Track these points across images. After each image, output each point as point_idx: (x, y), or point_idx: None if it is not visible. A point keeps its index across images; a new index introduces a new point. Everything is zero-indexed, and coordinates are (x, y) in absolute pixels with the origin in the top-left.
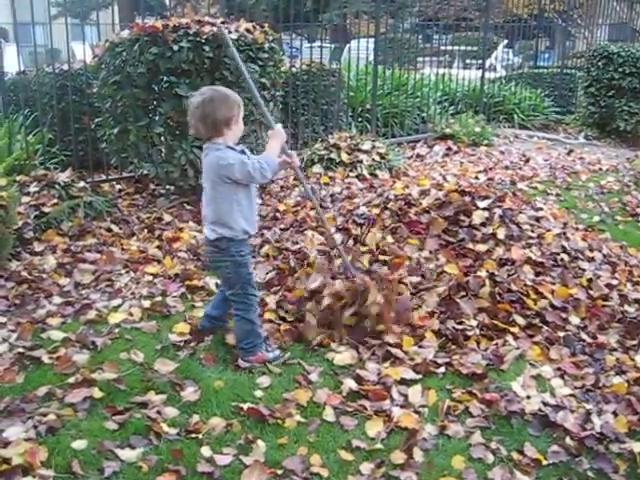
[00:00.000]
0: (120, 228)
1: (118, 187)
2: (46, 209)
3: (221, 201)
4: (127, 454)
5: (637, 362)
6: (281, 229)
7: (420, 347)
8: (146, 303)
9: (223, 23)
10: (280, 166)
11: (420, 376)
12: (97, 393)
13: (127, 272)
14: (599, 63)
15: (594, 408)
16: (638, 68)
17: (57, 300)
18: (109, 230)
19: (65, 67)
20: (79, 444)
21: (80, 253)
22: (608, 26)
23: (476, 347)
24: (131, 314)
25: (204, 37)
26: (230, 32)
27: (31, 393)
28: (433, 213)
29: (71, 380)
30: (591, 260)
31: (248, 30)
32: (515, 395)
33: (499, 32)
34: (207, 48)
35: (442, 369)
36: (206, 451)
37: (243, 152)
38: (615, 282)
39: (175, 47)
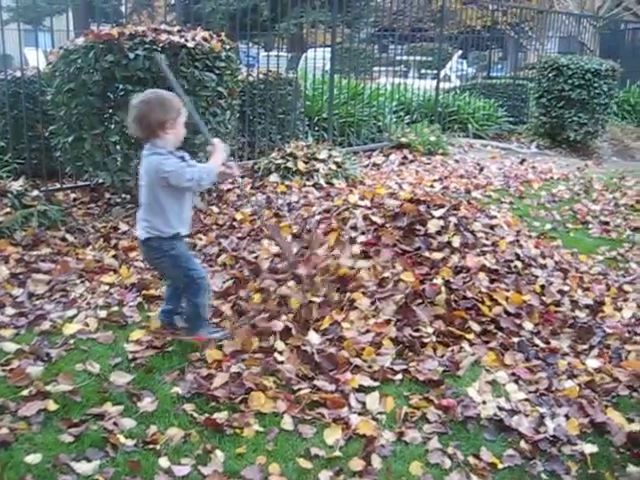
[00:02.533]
0: (75, 237)
1: (73, 196)
2: None
3: (155, 203)
4: (83, 467)
5: (588, 366)
6: (238, 238)
7: (378, 355)
8: (102, 313)
9: (180, 31)
10: (220, 177)
11: (378, 383)
12: (52, 405)
13: (82, 282)
14: (549, 75)
15: (547, 412)
16: (586, 80)
17: (10, 311)
18: (64, 239)
19: (18, 74)
20: (33, 458)
21: (34, 263)
22: (558, 39)
23: (433, 354)
24: (87, 324)
25: (160, 45)
26: (187, 40)
27: None
28: (388, 224)
29: (25, 393)
30: (543, 267)
31: (205, 39)
32: (471, 400)
33: (453, 43)
34: (164, 56)
35: (399, 376)
36: (164, 462)
37: (183, 158)
38: (567, 288)
39: (131, 55)
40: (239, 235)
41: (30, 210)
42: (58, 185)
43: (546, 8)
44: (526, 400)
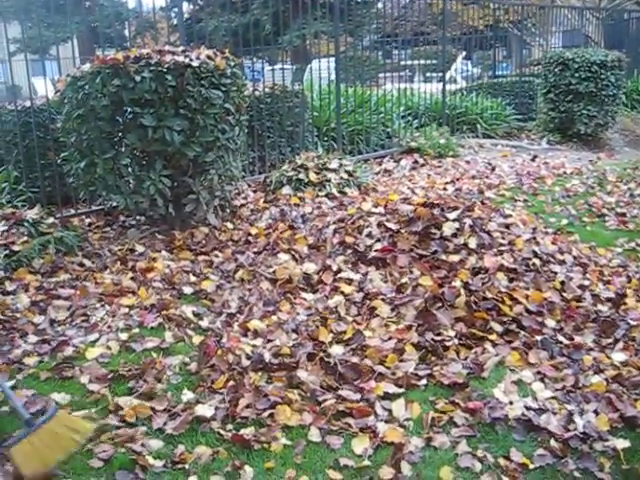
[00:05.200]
0: (92, 262)
1: (88, 221)
2: (16, 247)
3: None
4: None
5: (614, 360)
6: (254, 252)
7: (401, 361)
8: (123, 336)
9: (184, 51)
10: None
11: (403, 390)
12: None
13: (102, 306)
14: (556, 69)
15: (576, 409)
16: (593, 72)
17: (33, 339)
18: (81, 265)
19: (27, 104)
20: None
21: (53, 289)
22: (562, 33)
23: (456, 357)
24: (109, 348)
25: (166, 66)
26: (191, 60)
27: (7, 434)
28: (403, 229)
29: None
30: (562, 263)
31: (209, 57)
32: (498, 402)
33: (457, 44)
34: (169, 77)
35: (424, 381)
36: None
37: None
38: (587, 283)
39: (137, 78)
40: (255, 250)
41: (47, 237)
42: (73, 211)
43: (548, 3)
44: (553, 398)
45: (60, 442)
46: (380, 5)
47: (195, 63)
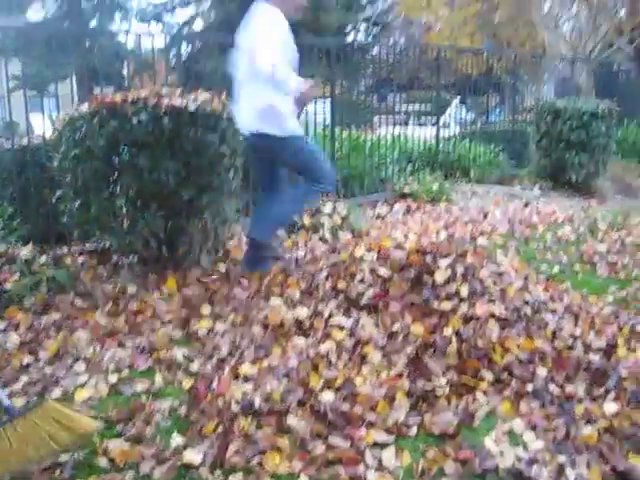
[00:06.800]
0: (84, 301)
1: (81, 259)
2: (7, 286)
3: None
4: None
5: (605, 411)
6: (247, 296)
7: (391, 409)
8: (113, 378)
9: (181, 95)
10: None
11: (393, 438)
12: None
13: (93, 347)
14: (547, 118)
15: (567, 460)
16: (584, 122)
17: (22, 379)
18: (73, 304)
19: (24, 142)
20: None
21: (44, 329)
22: (554, 81)
23: (447, 405)
24: (98, 390)
25: (163, 109)
26: (188, 103)
27: None
28: (395, 276)
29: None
30: (554, 311)
31: (206, 100)
32: (488, 452)
33: (451, 90)
34: (166, 120)
35: (414, 429)
36: None
37: None
38: (578, 332)
39: (135, 120)
40: (247, 293)
41: (39, 276)
42: (66, 249)
43: (540, 53)
44: (544, 449)
45: (37, 438)
46: (376, 50)
47: (192, 107)
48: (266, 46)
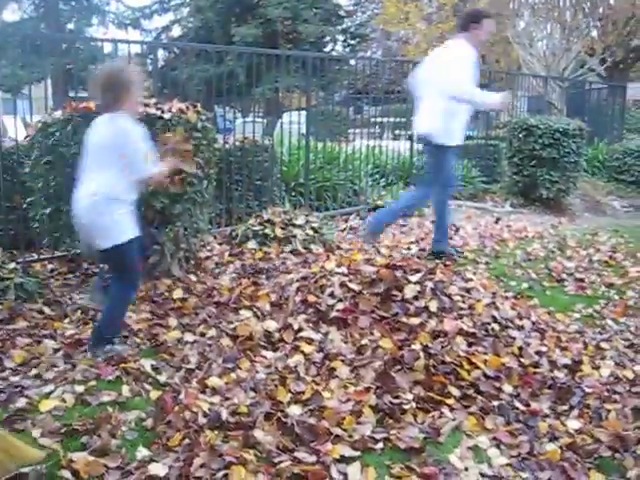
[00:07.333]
0: (52, 310)
1: (50, 267)
2: None
3: None
4: None
5: (569, 427)
6: (216, 307)
7: (358, 423)
8: (79, 388)
9: (156, 104)
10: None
11: (359, 453)
12: None
13: (60, 356)
14: (520, 135)
15: (530, 477)
16: (556, 140)
17: None
18: (41, 312)
19: None
20: None
21: (10, 338)
22: (527, 98)
23: (413, 420)
24: (64, 400)
25: (137, 117)
26: (163, 112)
27: None
28: (365, 290)
29: None
30: (521, 328)
31: (181, 110)
32: (453, 468)
33: None
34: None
35: (380, 445)
36: None
37: None
38: (544, 349)
39: None
40: (217, 304)
41: (7, 283)
42: (35, 256)
43: (514, 70)
44: (508, 465)
45: None
46: (352, 62)
47: (167, 116)
48: (463, 72)
